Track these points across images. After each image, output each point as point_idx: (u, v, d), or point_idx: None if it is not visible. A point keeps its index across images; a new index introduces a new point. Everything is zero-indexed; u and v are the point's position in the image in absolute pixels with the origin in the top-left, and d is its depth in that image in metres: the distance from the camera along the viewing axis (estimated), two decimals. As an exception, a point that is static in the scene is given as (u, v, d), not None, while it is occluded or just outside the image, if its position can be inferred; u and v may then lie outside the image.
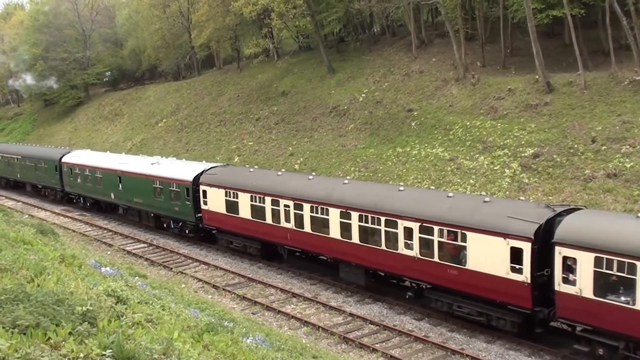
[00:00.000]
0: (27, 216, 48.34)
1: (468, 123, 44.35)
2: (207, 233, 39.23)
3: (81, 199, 53.33)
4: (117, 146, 75.87)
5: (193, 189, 38.26)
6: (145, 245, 41.09)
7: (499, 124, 42.52)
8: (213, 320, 15.04)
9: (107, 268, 21.13)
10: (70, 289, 10.79)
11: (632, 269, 18.74)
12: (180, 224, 41.09)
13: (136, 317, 10.24)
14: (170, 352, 7.98)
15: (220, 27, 71.51)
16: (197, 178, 38.25)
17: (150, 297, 15.87)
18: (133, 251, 39.39)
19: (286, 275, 33.12)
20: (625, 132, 35.97)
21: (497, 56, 51.34)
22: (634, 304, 18.88)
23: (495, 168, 39.24)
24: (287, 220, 31.87)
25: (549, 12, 44.21)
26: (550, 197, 34.55)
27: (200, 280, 32.96)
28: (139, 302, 12.97)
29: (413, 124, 48.07)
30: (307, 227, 30.76)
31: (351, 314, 27.07)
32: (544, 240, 21.61)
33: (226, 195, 35.86)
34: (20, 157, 62.77)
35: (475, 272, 23.48)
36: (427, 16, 65.39)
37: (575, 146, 37.13)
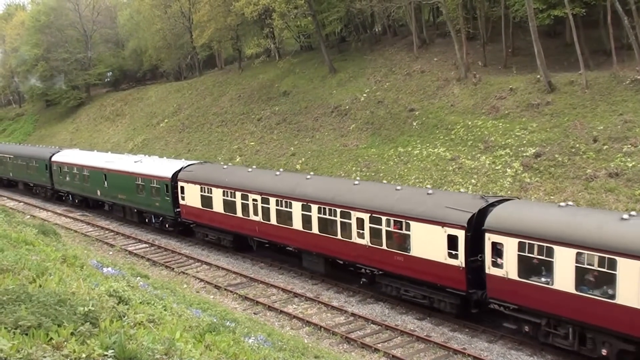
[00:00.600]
0: (28, 217, 48.42)
1: (469, 123, 44.33)
2: (185, 227, 41.13)
3: (70, 196, 55.02)
4: (118, 146, 75.90)
5: (172, 185, 40.41)
6: (147, 245, 41.11)
7: (500, 124, 42.50)
8: (215, 320, 15.05)
9: (109, 268, 21.13)
10: (72, 290, 10.79)
11: (549, 252, 21.06)
12: (160, 218, 42.95)
13: (138, 317, 10.24)
14: (172, 352, 7.98)
15: (222, 27, 71.50)
16: (175, 175, 40.41)
17: (152, 297, 15.87)
18: (135, 251, 39.42)
19: (288, 276, 33.14)
20: (626, 131, 35.94)
21: (498, 56, 51.33)
22: (552, 284, 21.14)
23: (496, 168, 39.21)
24: (256, 213, 34.09)
25: (550, 12, 44.17)
26: (552, 197, 34.53)
27: (202, 280, 32.98)
28: (140, 303, 12.98)
29: (414, 124, 48.06)
30: (273, 220, 32.98)
31: (353, 314, 27.08)
32: (476, 228, 23.56)
33: (201, 191, 38.12)
34: (12, 156, 64.01)
35: (418, 259, 25.63)
36: (429, 16, 65.43)
37: (577, 146, 37.10)
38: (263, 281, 32.14)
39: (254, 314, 27.71)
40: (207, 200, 37.65)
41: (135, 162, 45.95)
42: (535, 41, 41.96)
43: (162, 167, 42.97)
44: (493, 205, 24.09)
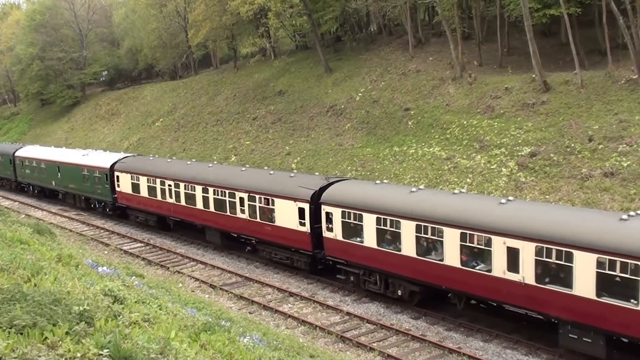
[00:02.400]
0: (23, 216, 48.36)
1: (465, 122, 44.38)
2: (122, 210, 47.18)
3: (31, 187, 61.20)
4: (113, 146, 75.81)
5: (110, 175, 46.53)
6: (142, 244, 41.09)
7: (495, 123, 42.56)
8: (210, 319, 15.04)
9: (104, 268, 21.10)
10: (67, 289, 10.77)
11: (360, 218, 27.60)
12: (102, 203, 49.20)
13: (133, 316, 10.23)
14: (167, 351, 7.97)
15: (217, 27, 71.44)
16: (112, 166, 46.54)
17: (147, 296, 15.86)
18: (130, 251, 39.39)
19: (283, 275, 33.14)
20: (622, 130, 36.01)
21: (493, 55, 51.41)
22: (363, 243, 27.55)
23: (492, 167, 39.27)
24: (170, 196, 40.59)
25: (546, 11, 44.24)
26: (547, 196, 34.61)
27: (197, 279, 32.97)
28: (136, 302, 12.96)
29: (410, 123, 48.09)
30: (183, 202, 39.52)
31: (348, 313, 27.09)
32: (318, 202, 29.86)
33: (132, 179, 44.30)
34: None
35: (280, 227, 32.08)
36: (424, 15, 65.46)
37: (572, 145, 37.17)
38: (258, 280, 32.14)
39: (249, 313, 27.71)
40: (136, 187, 43.87)
41: (82, 155, 52.18)
42: (531, 40, 42.02)
43: (103, 159, 49.06)
44: (332, 184, 30.57)
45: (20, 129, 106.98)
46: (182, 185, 39.24)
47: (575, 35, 42.89)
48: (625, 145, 35.11)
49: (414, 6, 57.97)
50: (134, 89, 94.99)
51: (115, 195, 46.35)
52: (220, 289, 31.14)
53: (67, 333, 7.60)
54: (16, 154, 61.75)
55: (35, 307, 8.32)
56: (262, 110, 63.08)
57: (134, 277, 23.76)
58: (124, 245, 40.80)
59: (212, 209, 36.81)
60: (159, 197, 41.58)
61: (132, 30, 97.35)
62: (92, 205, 50.86)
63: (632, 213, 21.45)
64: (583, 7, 43.98)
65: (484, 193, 36.55)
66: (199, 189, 37.68)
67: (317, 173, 39.39)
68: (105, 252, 39.07)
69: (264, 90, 66.27)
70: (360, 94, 55.15)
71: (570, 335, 21.22)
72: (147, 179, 42.47)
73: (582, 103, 39.73)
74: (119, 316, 9.84)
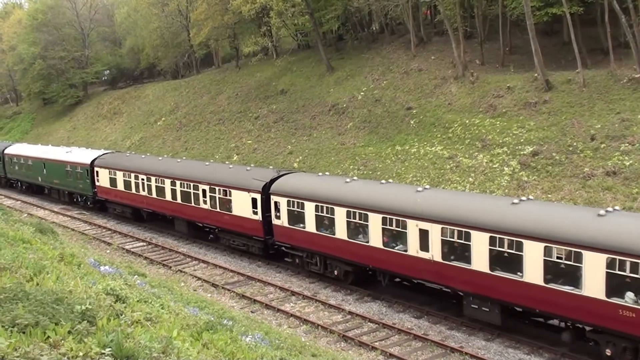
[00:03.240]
0: (26, 215, 48.38)
1: (467, 121, 44.35)
2: (101, 203, 50.10)
3: (19, 183, 64.22)
4: (115, 145, 75.87)
5: (90, 170, 49.60)
6: (145, 243, 41.12)
7: (498, 122, 42.52)
8: (212, 318, 15.05)
9: (106, 267, 21.12)
10: (69, 288, 10.78)
11: (302, 206, 30.78)
12: (84, 197, 52.12)
13: (135, 315, 10.23)
14: (169, 350, 7.97)
15: (219, 26, 71.45)
16: (93, 162, 49.64)
17: (149, 295, 15.87)
18: (132, 250, 39.41)
19: (285, 274, 33.15)
20: (624, 129, 35.97)
21: (496, 54, 51.34)
22: (305, 228, 30.70)
23: (494, 166, 39.24)
24: (143, 190, 43.66)
25: (548, 10, 44.21)
26: (549, 195, 34.58)
27: (199, 278, 32.98)
28: (138, 301, 12.97)
29: (412, 122, 48.07)
30: (154, 194, 42.61)
31: (350, 312, 27.09)
32: (268, 192, 32.97)
33: (110, 174, 47.42)
34: None
35: (237, 216, 35.24)
36: (426, 14, 65.35)
37: (575, 144, 37.13)
38: (260, 279, 32.15)
39: (251, 312, 27.72)
40: (113, 181, 47.06)
41: (66, 152, 55.36)
42: (533, 39, 41.99)
43: (84, 156, 52.24)
44: (281, 176, 33.78)
45: (22, 128, 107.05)
46: (153, 179, 42.54)
47: (578, 34, 42.84)
48: (627, 144, 35.06)
49: (416, 5, 57.95)
50: (136, 88, 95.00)
51: (95, 190, 49.67)
52: (222, 288, 31.16)
53: (69, 332, 7.60)
54: (5, 152, 64.77)
55: (37, 306, 8.33)
56: (264, 109, 63.08)
57: (136, 276, 23.79)
58: (126, 245, 40.83)
59: (179, 200, 40.02)
60: (133, 191, 44.86)
61: (134, 30, 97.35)
62: (75, 200, 54.07)
63: (523, 198, 24.90)
64: (585, 5, 43.94)
65: (487, 192, 36.50)
66: (167, 182, 41.02)
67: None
68: (108, 251, 39.11)
69: (266, 90, 66.27)
70: (362, 93, 55.13)
71: (472, 305, 24.26)
72: (123, 173, 45.76)
73: (585, 102, 39.69)
74: (121, 315, 9.85)
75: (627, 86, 38.92)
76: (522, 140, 39.76)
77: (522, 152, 38.83)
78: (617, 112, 37.33)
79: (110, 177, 47.24)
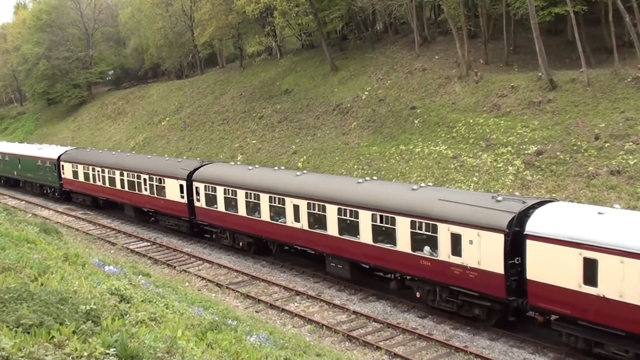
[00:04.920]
0: (30, 215, 48.48)
1: (471, 120, 44.31)
2: (67, 194, 55.76)
3: None
4: (120, 145, 76.00)
5: (57, 164, 55.40)
6: (149, 243, 41.17)
7: (502, 122, 42.48)
8: (216, 318, 15.06)
9: (111, 267, 21.17)
10: (73, 288, 10.80)
11: (215, 190, 36.85)
12: (52, 189, 57.60)
13: (140, 315, 10.25)
14: (173, 350, 7.99)
15: (223, 26, 71.51)
16: (59, 157, 55.32)
17: (153, 295, 15.89)
18: (136, 250, 39.45)
19: (290, 274, 33.15)
20: (628, 128, 35.90)
21: (500, 53, 51.29)
22: (217, 208, 36.81)
23: (498, 165, 39.20)
24: (99, 180, 49.47)
25: (552, 9, 44.15)
26: (553, 194, 34.50)
27: (203, 278, 33.00)
28: (142, 301, 12.99)
29: (416, 122, 48.04)
30: (108, 184, 48.34)
31: (355, 312, 27.07)
32: (191, 179, 38.95)
33: (73, 167, 53.31)
34: None
35: (170, 201, 41.15)
36: (430, 14, 65.31)
37: (579, 143, 37.07)
38: (265, 279, 32.16)
39: (256, 312, 27.72)
40: (75, 174, 52.99)
41: (38, 149, 61.37)
42: (537, 39, 41.93)
43: (52, 152, 57.89)
44: (203, 165, 39.76)
45: (26, 128, 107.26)
46: (106, 170, 48.39)
47: (582, 33, 42.76)
48: (631, 144, 34.99)
49: (420, 5, 57.89)
50: (140, 88, 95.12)
51: (61, 182, 55.44)
52: (227, 288, 31.16)
53: (73, 332, 7.62)
54: None
55: (42, 306, 8.35)
56: (268, 109, 63.11)
57: (140, 276, 23.84)
58: (131, 245, 40.88)
59: (127, 188, 46.02)
60: (91, 181, 50.74)
61: (138, 30, 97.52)
62: (45, 191, 59.68)
63: (367, 178, 31.54)
64: (589, 5, 43.86)
65: (491, 191, 36.44)
66: (117, 173, 46.92)
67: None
68: (112, 251, 39.15)
69: (270, 89, 66.29)
70: (366, 93, 55.12)
71: (331, 264, 30.30)
72: (83, 166, 51.74)
73: (589, 101, 39.62)
74: (126, 315, 9.87)
75: (631, 85, 38.84)
76: (526, 139, 39.71)
77: (526, 152, 38.78)
78: (622, 111, 37.26)
79: (73, 170, 53.28)
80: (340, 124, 53.83)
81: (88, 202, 52.78)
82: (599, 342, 20.59)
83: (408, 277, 26.83)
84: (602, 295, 19.89)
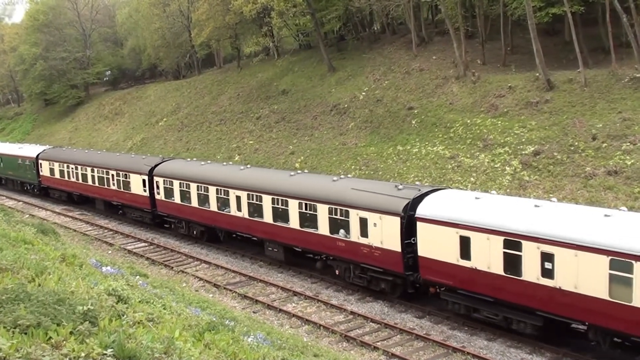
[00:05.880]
0: (27, 216, 48.45)
1: (468, 121, 44.34)
2: (45, 190, 59.53)
3: None
4: (117, 145, 75.95)
5: (35, 162, 59.28)
6: (146, 244, 41.16)
7: (499, 122, 42.52)
8: (214, 319, 15.05)
9: (108, 267, 21.14)
10: (71, 289, 10.79)
11: (172, 184, 40.68)
12: (32, 186, 61.61)
13: (137, 316, 10.24)
14: (171, 351, 7.98)
15: (220, 26, 71.46)
16: (37, 156, 59.26)
17: (151, 296, 15.88)
18: (134, 250, 39.44)
19: (287, 274, 33.16)
20: (625, 129, 35.95)
21: (497, 54, 51.33)
22: (175, 200, 40.60)
23: (495, 166, 39.24)
24: (74, 177, 53.21)
25: (549, 10, 44.19)
26: (550, 195, 34.51)
27: (201, 279, 33.00)
28: (140, 302, 12.98)
29: (413, 122, 48.07)
30: (80, 180, 52.19)
31: (352, 312, 27.09)
32: (152, 174, 42.58)
33: (50, 165, 57.34)
34: None
35: (134, 194, 44.82)
36: (427, 14, 65.38)
37: (576, 143, 37.12)
38: (262, 280, 32.17)
39: (253, 312, 27.73)
40: (52, 171, 56.86)
41: (18, 148, 66.32)
42: (534, 39, 41.97)
43: (31, 150, 61.93)
44: (163, 162, 43.83)
45: (24, 129, 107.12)
46: (79, 167, 52.19)
47: (579, 34, 42.82)
48: (629, 144, 35.05)
49: (418, 5, 57.92)
50: (138, 88, 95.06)
51: (40, 179, 59.30)
52: (224, 288, 31.16)
53: (71, 333, 7.61)
54: None
55: (39, 307, 8.34)
56: (266, 109, 63.10)
57: (137, 276, 23.81)
58: (128, 245, 40.87)
59: (97, 184, 49.74)
60: (66, 178, 54.36)
61: (135, 30, 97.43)
62: (25, 188, 63.65)
63: (299, 171, 35.84)
64: (586, 5, 43.90)
65: (488, 192, 36.47)
66: (89, 169, 50.67)
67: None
68: (109, 251, 39.13)
69: (267, 90, 66.29)
70: (363, 93, 55.14)
71: (269, 248, 34.00)
72: (59, 164, 55.47)
73: (586, 101, 39.67)
74: (123, 316, 9.86)
75: (628, 85, 38.90)
76: (523, 139, 39.75)
77: (523, 152, 38.82)
78: (619, 112, 37.31)
79: (50, 168, 57.17)
80: (338, 125, 53.85)
81: (64, 197, 56.41)
82: (476, 308, 24.26)
83: (330, 258, 30.24)
84: (474, 268, 23.42)
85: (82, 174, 51.61)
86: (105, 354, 7.07)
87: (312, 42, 72.02)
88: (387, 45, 61.53)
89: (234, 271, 34.02)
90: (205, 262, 36.21)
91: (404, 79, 54.02)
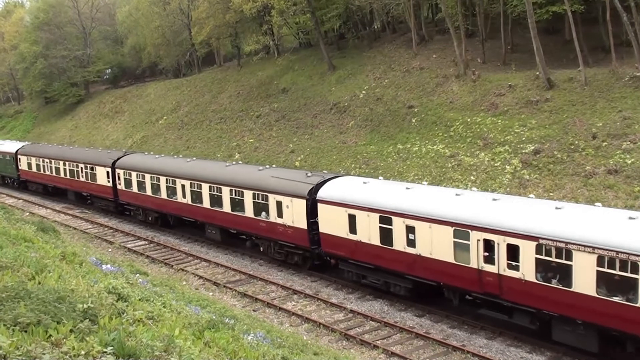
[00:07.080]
0: (27, 214, 48.49)
1: (468, 119, 44.32)
2: (24, 183, 63.70)
3: None
4: (117, 143, 75.90)
5: (15, 158, 63.77)
6: (146, 242, 41.16)
7: (499, 121, 42.50)
8: (214, 317, 15.07)
9: (108, 265, 21.17)
10: (71, 287, 10.80)
11: (130, 174, 44.76)
12: (12, 179, 65.89)
13: (137, 314, 10.25)
14: (171, 349, 7.99)
15: (220, 24, 71.42)
16: (17, 151, 63.59)
17: (151, 294, 15.89)
18: (134, 249, 39.45)
19: (287, 273, 33.17)
20: (625, 128, 35.93)
21: (497, 52, 51.29)
22: (132, 190, 45.19)
23: (496, 164, 39.23)
24: (48, 170, 57.38)
25: (549, 8, 44.15)
26: (551, 194, 34.54)
27: (201, 277, 33.02)
28: (140, 300, 12.99)
29: (413, 121, 48.05)
30: (54, 173, 56.38)
31: (352, 311, 27.11)
32: (114, 167, 46.82)
33: (27, 160, 61.43)
34: None
35: (99, 185, 49.26)
36: (428, 13, 65.34)
37: (576, 142, 37.11)
38: (262, 278, 32.18)
39: (253, 310, 27.74)
40: (29, 165, 61.10)
41: (1, 144, 70.78)
42: (534, 38, 41.94)
43: (11, 146, 66.65)
44: (125, 155, 48.10)
45: (24, 127, 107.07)
46: (53, 161, 56.52)
47: (579, 33, 42.77)
48: (629, 143, 35.03)
49: (418, 3, 57.85)
50: (138, 87, 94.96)
51: (19, 172, 63.71)
52: (224, 286, 31.19)
53: (71, 331, 7.62)
54: None
55: (39, 305, 8.35)
56: (266, 108, 63.08)
57: (137, 274, 23.84)
58: (128, 243, 40.88)
59: (68, 176, 54.04)
60: (42, 171, 58.64)
61: (135, 28, 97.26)
62: (6, 182, 68.11)
63: (227, 163, 40.30)
64: (587, 4, 43.87)
65: (488, 191, 36.44)
66: (61, 163, 54.99)
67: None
68: (109, 249, 39.14)
69: (267, 88, 66.25)
70: (363, 92, 55.11)
71: (208, 230, 38.52)
72: (35, 159, 60.06)
73: (586, 100, 39.65)
74: (123, 314, 9.87)
75: (628, 84, 38.88)
76: (523, 138, 39.74)
77: (523, 151, 38.81)
78: (619, 111, 37.29)
79: (27, 162, 61.45)
80: (338, 123, 53.83)
81: (40, 189, 60.64)
82: (364, 275, 28.78)
83: (256, 237, 35.09)
84: (359, 240, 28.10)
85: (55, 167, 56.00)
86: (105, 352, 7.08)
87: (312, 40, 71.93)
88: (387, 43, 61.49)
89: (233, 269, 34.04)
90: (205, 260, 36.24)
91: (404, 77, 54.00)
